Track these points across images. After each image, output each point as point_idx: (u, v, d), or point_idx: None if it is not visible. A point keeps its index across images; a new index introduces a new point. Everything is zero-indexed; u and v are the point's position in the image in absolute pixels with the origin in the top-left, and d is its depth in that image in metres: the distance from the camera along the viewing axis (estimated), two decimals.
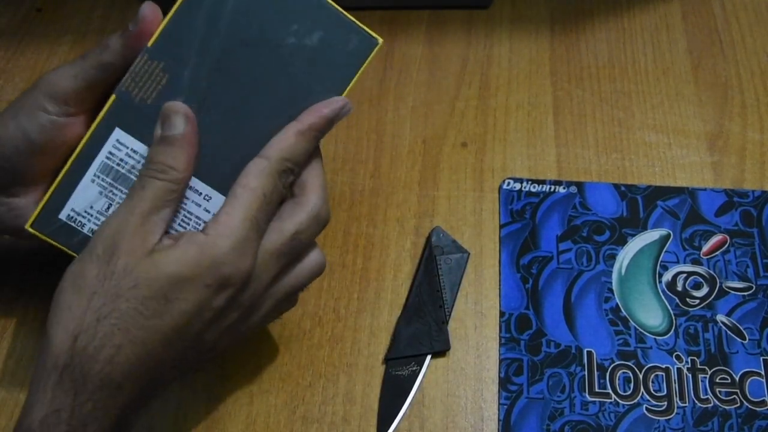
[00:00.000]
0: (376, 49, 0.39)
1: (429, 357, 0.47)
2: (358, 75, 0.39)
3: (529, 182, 0.53)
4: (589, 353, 0.46)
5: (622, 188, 0.53)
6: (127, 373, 0.33)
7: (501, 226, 0.52)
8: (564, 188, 0.53)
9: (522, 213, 0.52)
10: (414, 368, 0.46)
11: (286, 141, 0.37)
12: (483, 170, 0.55)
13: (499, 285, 0.49)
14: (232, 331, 0.37)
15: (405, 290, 0.49)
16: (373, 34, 0.39)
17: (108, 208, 0.38)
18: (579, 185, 0.53)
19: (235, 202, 0.35)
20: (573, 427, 0.44)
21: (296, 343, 0.48)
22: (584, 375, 0.46)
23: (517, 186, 0.53)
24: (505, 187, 0.53)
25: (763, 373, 0.45)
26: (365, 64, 0.39)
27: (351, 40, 0.39)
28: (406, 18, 0.63)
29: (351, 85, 0.39)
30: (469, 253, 0.50)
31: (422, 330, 0.47)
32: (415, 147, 0.56)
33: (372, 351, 0.47)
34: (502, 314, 0.48)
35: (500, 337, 0.47)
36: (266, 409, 0.45)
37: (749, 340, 0.46)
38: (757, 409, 0.44)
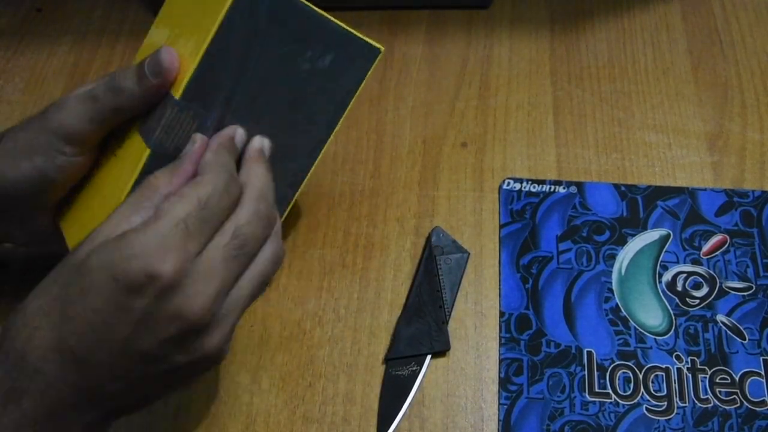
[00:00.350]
0: (379, 57, 0.41)
1: (429, 357, 0.47)
2: (363, 84, 0.42)
3: (529, 182, 0.53)
4: (589, 353, 0.46)
5: (622, 188, 0.53)
6: (42, 358, 0.32)
7: (501, 226, 0.52)
8: (564, 188, 0.53)
9: (522, 213, 0.52)
10: (414, 368, 0.46)
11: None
12: (483, 170, 0.55)
13: (499, 285, 0.49)
14: (191, 348, 0.34)
15: (405, 290, 0.49)
16: (375, 44, 0.41)
17: None
18: (579, 185, 0.53)
19: (168, 206, 0.33)
20: (573, 427, 0.44)
21: (296, 343, 0.48)
22: (584, 375, 0.46)
23: (517, 186, 0.53)
24: (505, 187, 0.53)
25: (763, 373, 0.45)
26: (369, 73, 0.42)
27: (357, 54, 0.41)
28: (406, 18, 0.63)
29: (357, 94, 0.42)
30: (469, 253, 0.50)
31: (422, 330, 0.47)
32: (415, 147, 0.56)
33: (372, 351, 0.47)
34: (502, 314, 0.48)
35: (500, 337, 0.47)
36: (266, 409, 0.45)
37: (749, 340, 0.46)
38: (757, 409, 0.44)
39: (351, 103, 0.42)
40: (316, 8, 0.38)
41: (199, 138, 0.37)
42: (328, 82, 0.41)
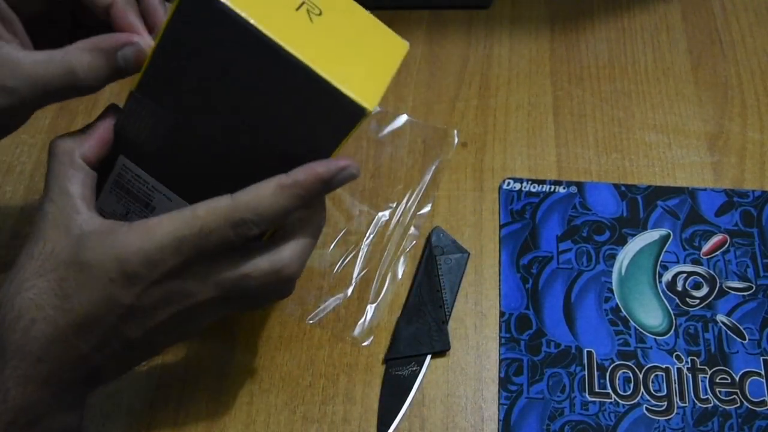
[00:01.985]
0: (365, 118, 0.34)
1: (429, 357, 0.47)
2: (344, 142, 0.35)
3: (529, 182, 0.53)
4: (589, 353, 0.46)
5: (622, 188, 0.53)
6: (45, 348, 0.33)
7: (501, 226, 0.52)
8: (564, 188, 0.53)
9: (522, 213, 0.52)
10: (414, 368, 0.46)
11: (261, 191, 0.34)
12: (483, 170, 0.55)
13: (499, 285, 0.49)
14: (169, 332, 0.37)
15: (405, 290, 0.49)
16: (362, 103, 0.33)
17: (126, 213, 0.40)
18: (579, 185, 0.53)
19: (174, 216, 0.34)
20: (573, 427, 0.44)
21: (296, 343, 0.48)
22: (584, 375, 0.46)
23: (517, 186, 0.53)
24: (505, 187, 0.53)
25: (763, 373, 0.45)
26: (351, 133, 0.35)
27: (332, 107, 0.34)
28: (406, 18, 0.63)
29: (338, 149, 0.36)
30: (469, 253, 0.50)
31: (422, 330, 0.47)
32: (415, 147, 0.56)
33: (372, 351, 0.47)
34: (502, 314, 0.48)
35: (500, 337, 0.47)
36: (266, 409, 0.45)
37: (749, 340, 0.46)
38: (757, 409, 0.44)
39: (334, 151, 0.36)
40: (278, 40, 0.32)
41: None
42: (294, 126, 0.35)
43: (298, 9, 0.34)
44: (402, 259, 0.51)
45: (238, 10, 0.32)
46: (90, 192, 0.36)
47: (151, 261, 0.33)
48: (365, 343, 0.48)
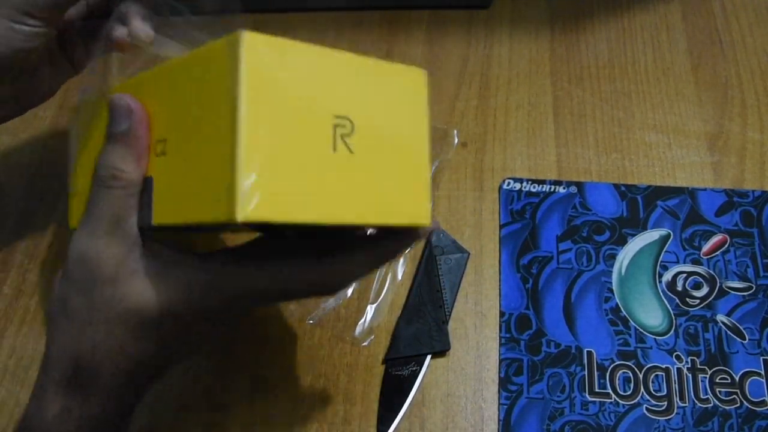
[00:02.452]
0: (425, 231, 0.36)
1: (429, 357, 0.47)
2: None
3: (529, 182, 0.53)
4: (589, 353, 0.46)
5: (622, 188, 0.53)
6: (128, 382, 0.35)
7: (501, 226, 0.52)
8: (564, 188, 0.53)
9: (522, 213, 0.52)
10: (414, 368, 0.46)
11: (352, 261, 0.36)
12: (483, 170, 0.55)
13: (499, 285, 0.49)
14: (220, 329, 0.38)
15: (405, 290, 0.49)
16: (420, 223, 0.35)
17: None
18: (579, 185, 0.53)
19: (271, 271, 0.34)
20: (573, 427, 0.44)
21: (296, 343, 0.48)
22: (584, 375, 0.46)
23: (517, 186, 0.53)
24: (505, 187, 0.53)
25: (763, 373, 0.45)
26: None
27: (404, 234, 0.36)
28: (406, 18, 0.63)
29: None
30: (469, 253, 0.50)
31: (422, 330, 0.47)
32: None
33: (372, 351, 0.47)
34: (502, 314, 0.48)
35: (500, 337, 0.47)
36: (266, 409, 0.45)
37: (749, 340, 0.46)
38: (757, 409, 0.44)
39: None
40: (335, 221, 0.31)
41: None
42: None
43: (335, 149, 0.32)
44: (402, 260, 0.51)
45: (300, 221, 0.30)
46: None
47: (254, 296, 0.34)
48: (365, 343, 0.48)
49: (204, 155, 0.30)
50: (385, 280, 0.50)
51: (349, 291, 0.49)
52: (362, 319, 0.48)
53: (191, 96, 0.32)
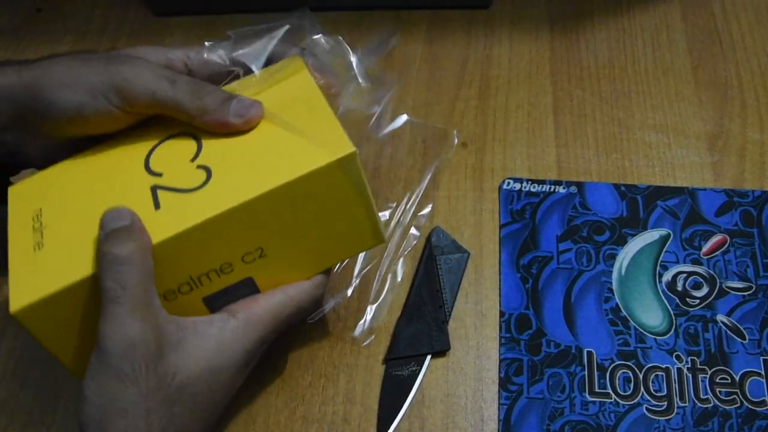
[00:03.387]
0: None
1: (429, 357, 0.47)
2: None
3: (529, 182, 0.53)
4: (589, 353, 0.46)
5: (622, 188, 0.53)
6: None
7: (501, 226, 0.52)
8: (564, 188, 0.53)
9: (522, 213, 0.52)
10: (414, 368, 0.46)
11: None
12: (483, 170, 0.55)
13: (499, 285, 0.49)
14: None
15: (405, 290, 0.49)
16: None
17: None
18: (579, 185, 0.53)
19: (273, 299, 0.40)
20: (573, 427, 0.44)
21: (296, 343, 0.48)
22: (584, 375, 0.46)
23: (517, 186, 0.53)
24: (505, 187, 0.53)
25: (763, 373, 0.45)
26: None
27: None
28: (406, 18, 0.63)
29: None
30: (469, 253, 0.50)
31: (422, 330, 0.47)
32: (415, 147, 0.56)
33: (372, 351, 0.47)
34: (502, 314, 0.48)
35: (500, 337, 0.47)
36: (266, 409, 0.45)
37: (749, 340, 0.46)
38: (757, 409, 0.44)
39: None
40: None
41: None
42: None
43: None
44: (402, 260, 0.51)
45: None
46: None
47: (263, 342, 0.39)
48: (365, 343, 0.48)
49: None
50: (385, 280, 0.50)
51: (349, 291, 0.49)
52: (362, 319, 0.48)
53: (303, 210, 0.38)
